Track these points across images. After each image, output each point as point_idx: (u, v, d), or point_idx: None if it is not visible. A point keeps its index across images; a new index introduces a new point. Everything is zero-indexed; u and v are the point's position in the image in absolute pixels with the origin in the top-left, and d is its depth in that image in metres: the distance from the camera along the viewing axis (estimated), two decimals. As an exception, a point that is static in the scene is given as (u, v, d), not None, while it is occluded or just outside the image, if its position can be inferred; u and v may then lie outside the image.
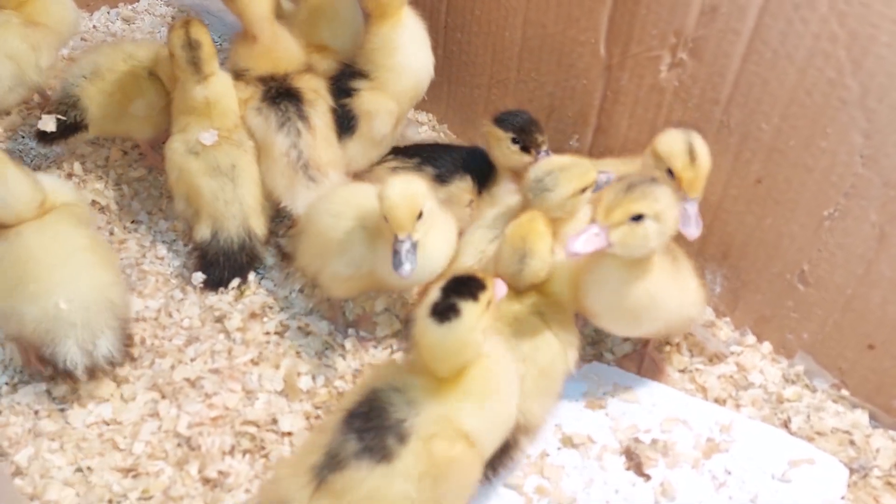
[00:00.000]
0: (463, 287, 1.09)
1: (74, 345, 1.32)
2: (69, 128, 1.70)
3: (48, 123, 1.67)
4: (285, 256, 1.61)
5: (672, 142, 1.35)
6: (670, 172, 1.34)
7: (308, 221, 1.50)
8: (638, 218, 1.18)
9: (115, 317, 1.36)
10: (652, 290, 1.25)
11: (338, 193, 1.48)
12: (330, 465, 1.07)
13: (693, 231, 1.31)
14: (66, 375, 1.34)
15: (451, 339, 1.07)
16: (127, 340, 1.40)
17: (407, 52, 1.59)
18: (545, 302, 1.26)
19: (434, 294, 1.09)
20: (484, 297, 1.09)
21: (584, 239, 1.18)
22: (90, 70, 1.70)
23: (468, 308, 1.07)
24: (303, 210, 1.53)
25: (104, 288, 1.36)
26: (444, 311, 1.07)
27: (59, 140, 1.72)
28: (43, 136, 1.70)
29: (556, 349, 1.24)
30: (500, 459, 1.22)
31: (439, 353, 1.08)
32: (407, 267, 1.26)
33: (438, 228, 1.36)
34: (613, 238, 1.18)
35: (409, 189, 1.28)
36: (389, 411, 1.09)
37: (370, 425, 1.08)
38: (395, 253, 1.27)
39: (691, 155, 1.33)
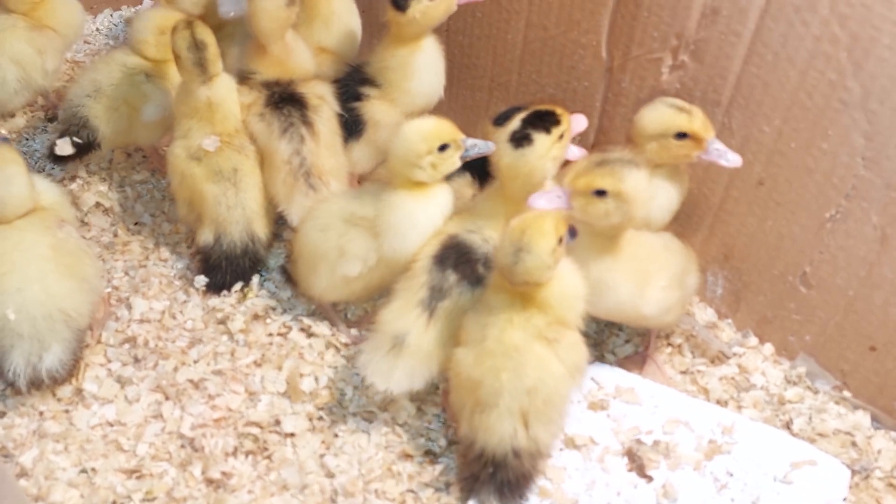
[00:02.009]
0: (539, 120, 1.30)
1: (20, 356, 1.33)
2: (83, 147, 1.71)
3: (64, 147, 1.68)
4: (291, 281, 1.60)
5: (658, 113, 1.38)
6: (679, 136, 1.36)
7: (300, 246, 1.51)
8: (601, 193, 1.25)
9: (68, 328, 1.36)
10: (603, 273, 1.31)
11: (319, 209, 1.49)
12: (437, 296, 1.33)
13: (734, 159, 1.36)
14: (10, 385, 1.36)
15: (522, 162, 1.29)
16: (78, 344, 1.40)
17: (421, 79, 1.59)
18: (548, 322, 1.23)
19: (515, 123, 1.31)
20: (557, 130, 1.30)
21: (547, 199, 1.28)
22: (92, 88, 1.70)
23: (540, 138, 1.29)
24: (298, 217, 1.53)
25: (58, 299, 1.35)
26: (520, 139, 1.29)
27: (74, 160, 1.74)
28: (58, 158, 1.72)
29: (560, 374, 1.23)
30: (521, 489, 1.25)
31: (512, 173, 1.31)
32: (492, 144, 1.37)
33: (437, 197, 1.41)
34: (574, 203, 1.28)
35: (428, 119, 1.39)
36: (474, 248, 1.35)
37: (462, 259, 1.34)
38: (475, 145, 1.39)
39: (681, 108, 1.37)
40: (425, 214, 1.39)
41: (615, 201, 1.24)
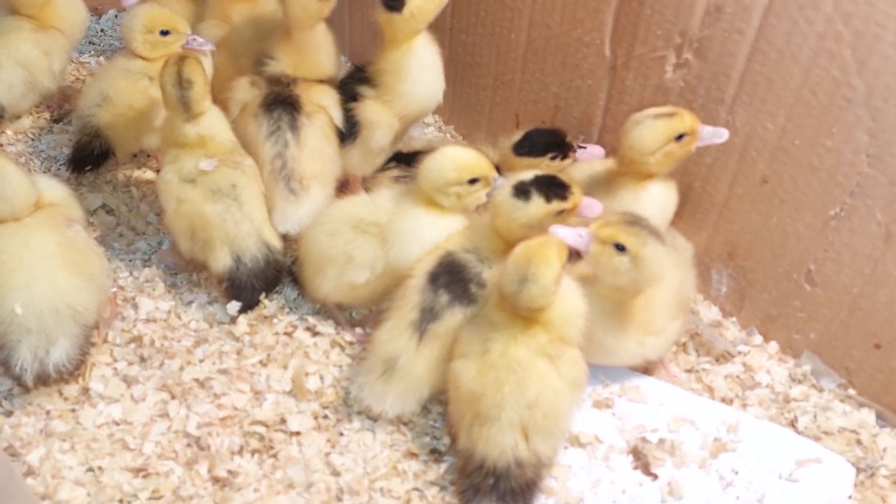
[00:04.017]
0: (545, 184, 1.30)
1: (27, 350, 1.33)
2: (98, 157, 1.73)
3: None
4: (297, 282, 1.60)
5: (653, 128, 1.40)
6: (679, 137, 1.40)
7: (306, 249, 1.51)
8: (620, 248, 1.25)
9: (75, 324, 1.37)
10: (608, 338, 1.33)
11: (328, 213, 1.49)
12: (428, 318, 1.33)
13: (724, 133, 1.41)
14: (16, 380, 1.36)
15: (509, 210, 1.30)
16: (85, 341, 1.40)
17: (416, 81, 1.56)
18: (550, 339, 1.24)
19: (529, 174, 1.31)
20: (557, 204, 1.30)
21: (570, 233, 1.28)
22: (100, 98, 1.70)
23: (536, 200, 1.29)
24: (279, 222, 1.53)
25: (66, 295, 1.36)
26: (518, 192, 1.30)
27: (92, 169, 1.77)
28: (75, 166, 1.75)
29: (560, 389, 1.24)
30: (526, 498, 1.25)
31: (497, 212, 1.33)
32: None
33: (451, 219, 1.41)
34: (591, 248, 1.27)
35: (468, 150, 1.41)
36: (468, 267, 1.35)
37: (454, 279, 1.34)
38: (503, 186, 1.37)
39: (669, 114, 1.40)
40: (433, 230, 1.40)
41: (630, 262, 1.25)
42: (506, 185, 1.33)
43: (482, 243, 1.37)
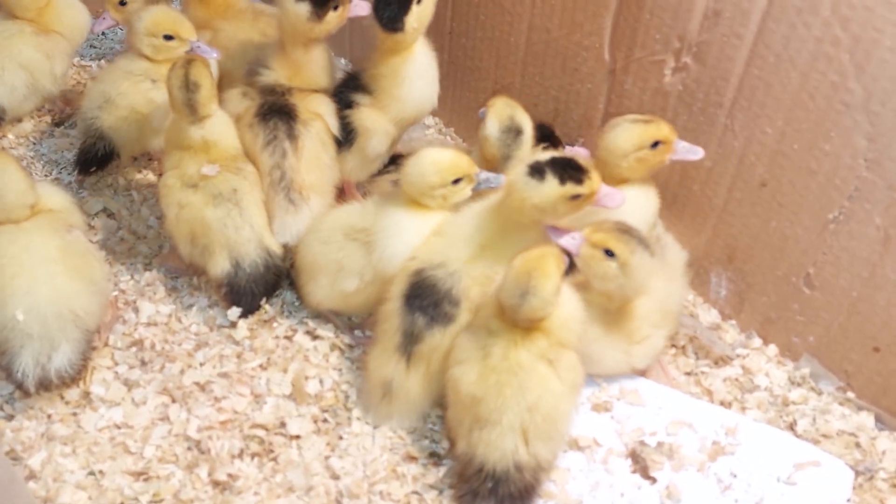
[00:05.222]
0: (562, 167, 1.27)
1: (29, 356, 1.34)
2: (102, 159, 1.73)
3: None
4: (295, 286, 1.60)
5: (630, 132, 1.41)
6: (653, 145, 1.41)
7: (301, 256, 1.51)
8: (610, 254, 1.27)
9: (77, 328, 1.37)
10: (592, 345, 1.35)
11: (323, 222, 1.49)
12: (410, 341, 1.34)
13: (699, 151, 1.42)
14: (18, 386, 1.37)
15: (522, 189, 1.27)
16: (86, 346, 1.41)
17: (413, 86, 1.56)
18: (550, 343, 1.25)
19: (546, 154, 1.30)
20: (571, 187, 1.26)
21: (564, 238, 1.30)
22: (102, 100, 1.71)
23: (550, 181, 1.26)
24: (278, 232, 1.53)
25: (67, 300, 1.36)
26: (534, 170, 1.27)
27: (97, 171, 1.78)
28: (81, 168, 1.75)
29: (560, 393, 1.25)
30: (525, 501, 1.25)
31: (509, 189, 1.30)
32: (503, 177, 1.37)
33: (435, 216, 1.42)
34: (582, 251, 1.30)
35: (446, 151, 1.40)
36: (437, 286, 1.33)
37: (427, 302, 1.33)
38: (486, 180, 1.39)
39: (647, 120, 1.42)
40: (414, 228, 1.39)
41: (619, 268, 1.27)
42: (520, 165, 1.31)
43: (452, 253, 1.36)
